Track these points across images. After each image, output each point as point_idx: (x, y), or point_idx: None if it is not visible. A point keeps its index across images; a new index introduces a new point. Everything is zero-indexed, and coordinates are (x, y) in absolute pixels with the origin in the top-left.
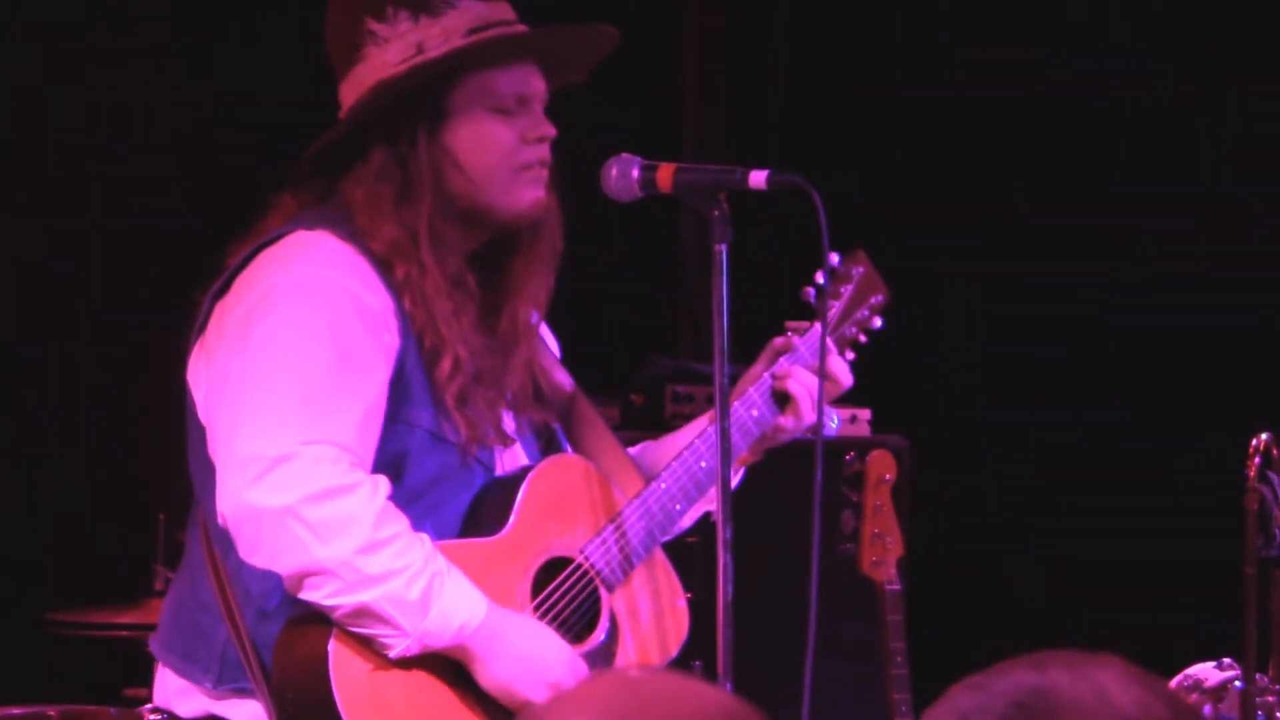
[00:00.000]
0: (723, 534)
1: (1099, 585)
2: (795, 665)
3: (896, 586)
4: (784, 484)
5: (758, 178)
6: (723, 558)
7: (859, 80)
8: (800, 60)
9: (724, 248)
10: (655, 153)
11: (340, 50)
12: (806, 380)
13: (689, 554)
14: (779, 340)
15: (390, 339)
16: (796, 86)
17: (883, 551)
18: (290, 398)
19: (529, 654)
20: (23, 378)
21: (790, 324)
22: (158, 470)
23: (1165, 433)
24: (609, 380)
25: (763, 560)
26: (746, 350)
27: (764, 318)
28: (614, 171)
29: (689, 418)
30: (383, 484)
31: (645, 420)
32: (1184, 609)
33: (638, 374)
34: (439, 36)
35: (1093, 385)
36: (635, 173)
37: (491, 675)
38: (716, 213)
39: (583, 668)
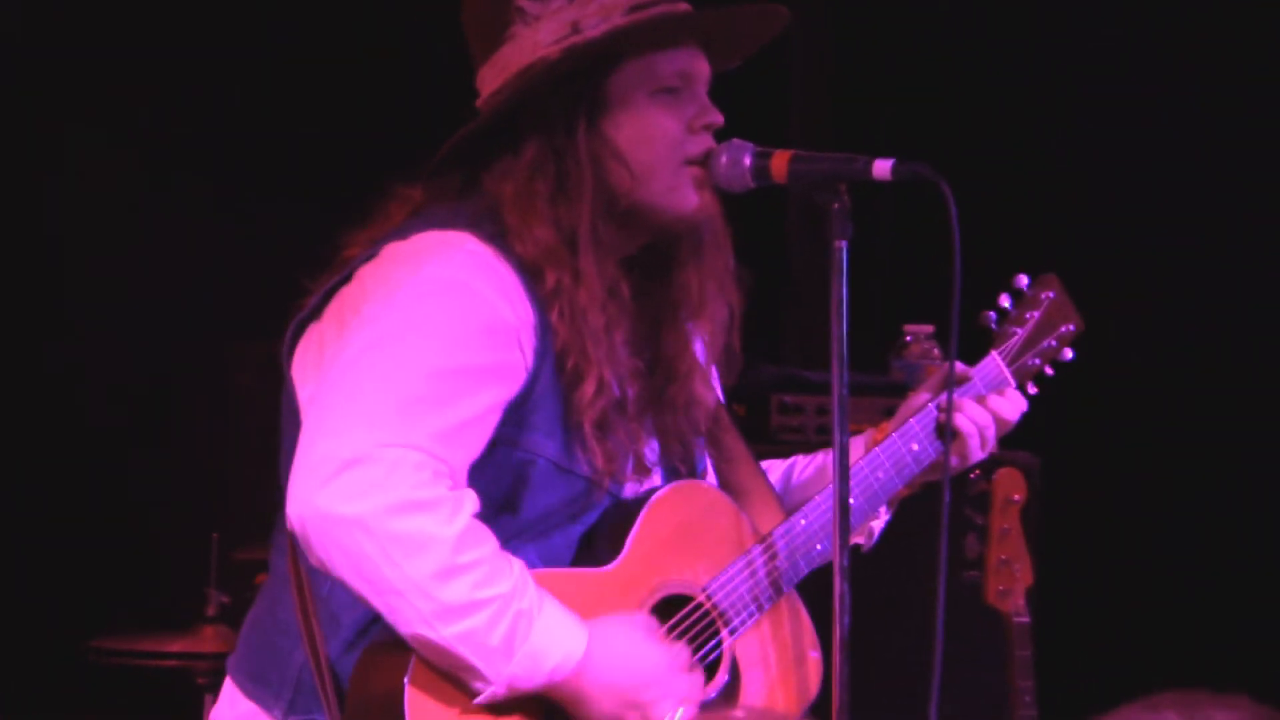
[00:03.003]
0: (839, 561)
1: (1245, 618)
2: (917, 703)
3: (1025, 619)
4: (904, 506)
5: (882, 168)
6: (839, 586)
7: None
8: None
9: (844, 245)
10: (756, 138)
11: (482, 29)
12: (978, 415)
13: (805, 581)
14: (946, 368)
15: (519, 358)
16: (910, 71)
17: (1010, 580)
18: (382, 399)
19: (635, 685)
20: (64, 384)
21: (909, 327)
22: (211, 484)
23: None
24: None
25: (882, 589)
26: (859, 357)
27: (879, 319)
28: (724, 159)
29: (797, 430)
30: (469, 499)
31: (749, 432)
32: None
33: (739, 382)
34: (596, 14)
35: (1244, 400)
36: (747, 160)
37: (593, 717)
38: (836, 206)
39: (695, 693)
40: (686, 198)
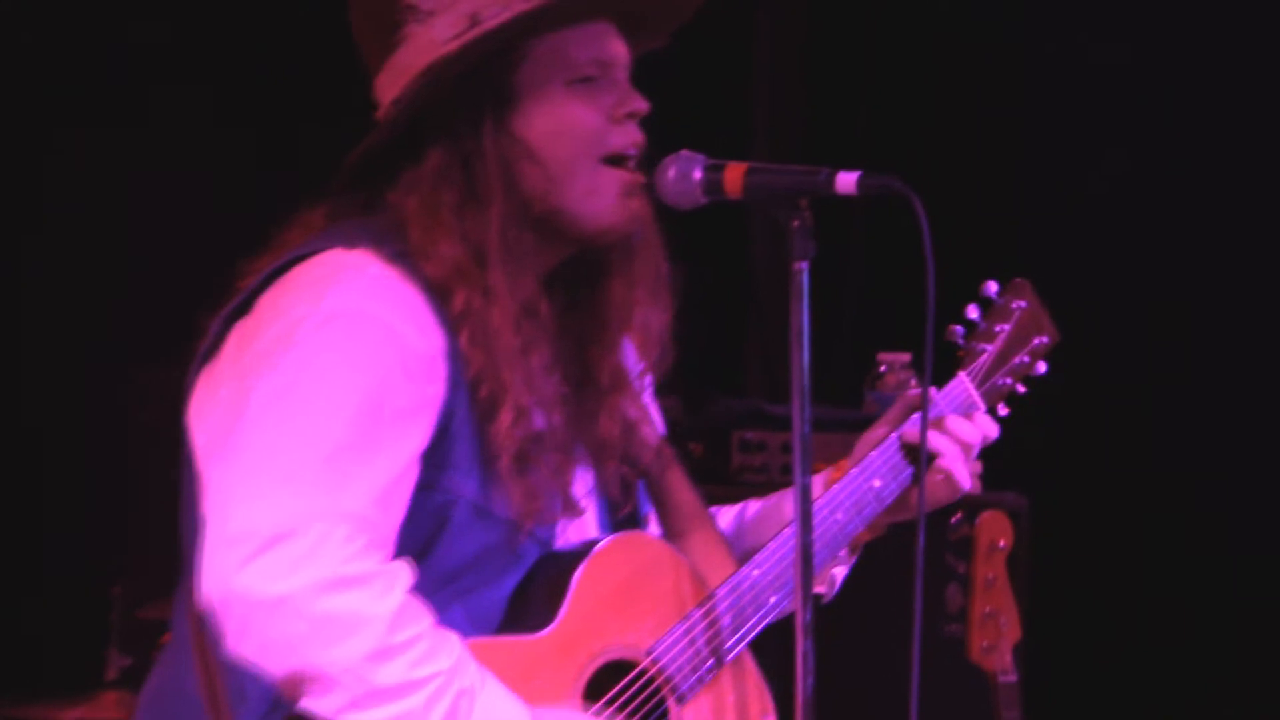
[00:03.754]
0: (802, 616)
1: (1250, 675)
2: None
3: (1012, 678)
4: (876, 553)
5: (847, 181)
6: (802, 644)
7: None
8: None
9: (805, 266)
10: (721, 150)
11: (373, 34)
12: (942, 444)
13: (762, 638)
14: (911, 393)
15: (435, 389)
16: (887, 71)
17: (996, 635)
18: (301, 460)
19: None
20: None
21: (884, 356)
22: (113, 533)
23: None
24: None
25: (851, 646)
26: (829, 388)
27: (848, 346)
28: (671, 172)
29: (759, 471)
30: (403, 574)
31: (707, 474)
32: None
33: (697, 417)
34: (497, 2)
35: (1246, 438)
36: (698, 174)
37: None
38: (796, 223)
39: None
40: (609, 202)
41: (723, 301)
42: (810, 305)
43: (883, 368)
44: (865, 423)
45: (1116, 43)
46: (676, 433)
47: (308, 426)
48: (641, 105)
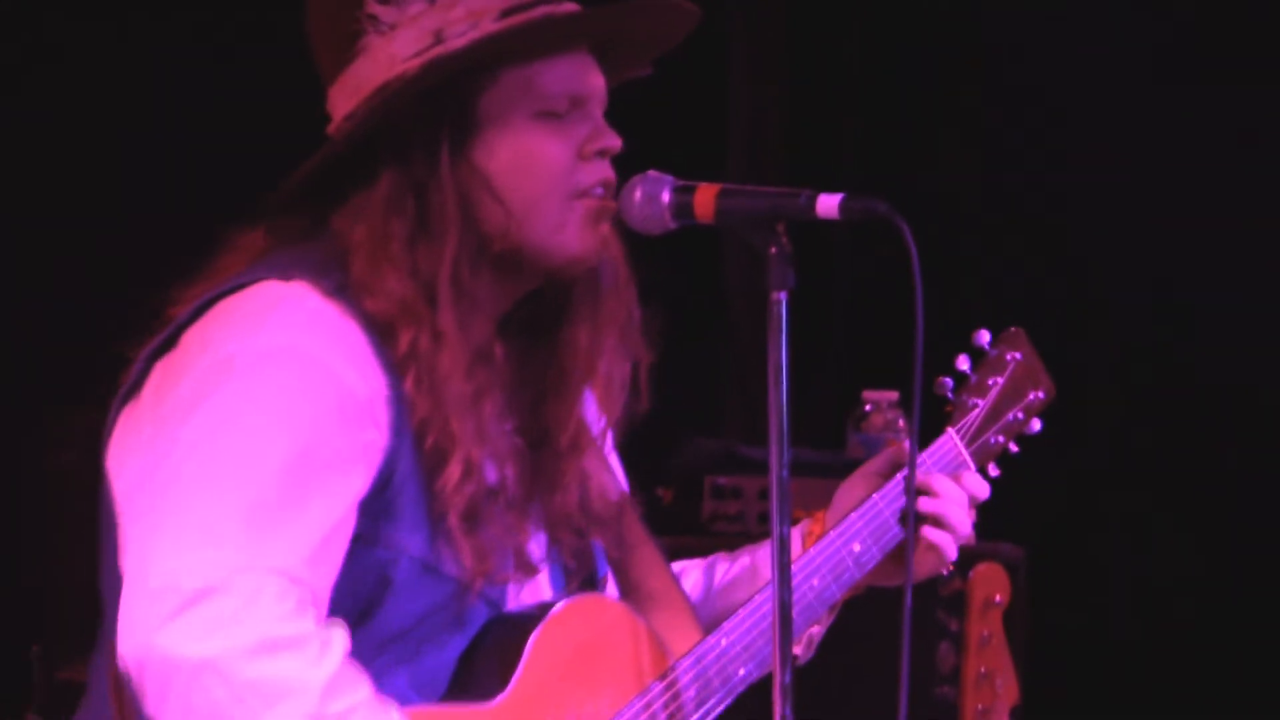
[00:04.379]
0: (780, 678)
1: None
2: None
3: None
4: (861, 609)
5: (828, 204)
6: (780, 709)
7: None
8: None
9: (784, 296)
10: (692, 171)
11: (330, 42)
12: (935, 508)
13: (738, 701)
14: (894, 449)
15: (375, 436)
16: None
17: (992, 697)
18: (229, 509)
19: None
20: None
21: (870, 395)
22: (30, 586)
23: None
24: (628, 468)
25: (834, 711)
26: (810, 429)
27: (831, 383)
28: (637, 194)
29: (734, 519)
30: (339, 637)
31: (676, 522)
32: None
33: (667, 461)
34: (464, 20)
35: (1253, 484)
36: (666, 196)
37: None
38: (774, 250)
39: None
40: (578, 235)
41: (694, 335)
42: (789, 339)
43: (868, 407)
44: (849, 467)
45: (1117, 52)
46: (642, 479)
47: (235, 473)
48: (614, 142)
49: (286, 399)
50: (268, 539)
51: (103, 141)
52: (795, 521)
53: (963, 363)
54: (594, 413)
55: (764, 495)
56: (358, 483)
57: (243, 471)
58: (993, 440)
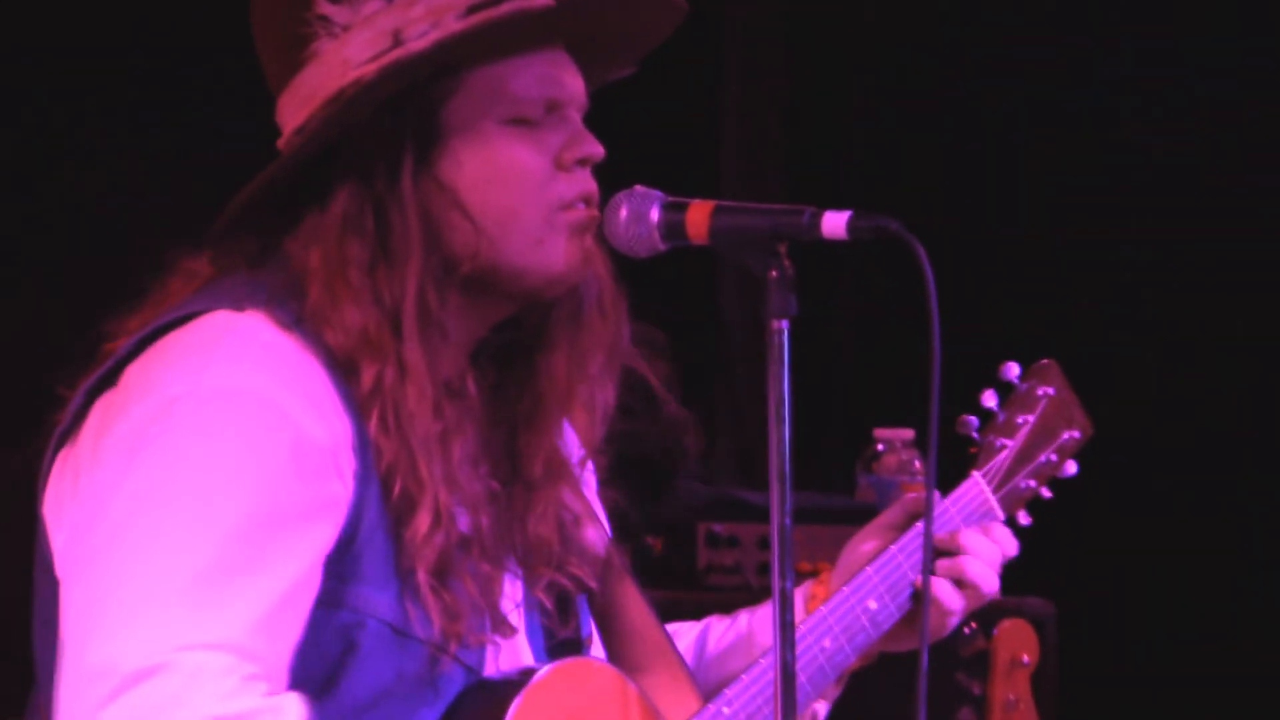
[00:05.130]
0: None
1: None
2: None
3: None
4: (872, 672)
5: (835, 222)
6: None
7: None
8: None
9: (786, 325)
10: (684, 187)
11: (276, 46)
12: (952, 565)
13: None
14: (911, 495)
15: (338, 488)
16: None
17: None
18: (171, 577)
19: None
20: None
21: (882, 433)
22: None
23: None
24: (612, 515)
25: None
26: (816, 471)
27: (839, 420)
28: (623, 212)
29: (731, 571)
30: (292, 709)
31: (668, 575)
32: None
33: (656, 506)
34: (425, 18)
35: None
36: (655, 214)
37: None
38: (775, 274)
39: None
40: (557, 251)
41: (685, 367)
42: (792, 371)
43: (880, 446)
44: (859, 512)
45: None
46: (628, 528)
47: (179, 536)
48: (596, 150)
49: (236, 449)
50: (214, 609)
51: (31, 154)
52: (799, 574)
53: (989, 399)
54: (574, 445)
55: (764, 544)
56: (319, 541)
57: (187, 534)
58: (1023, 485)
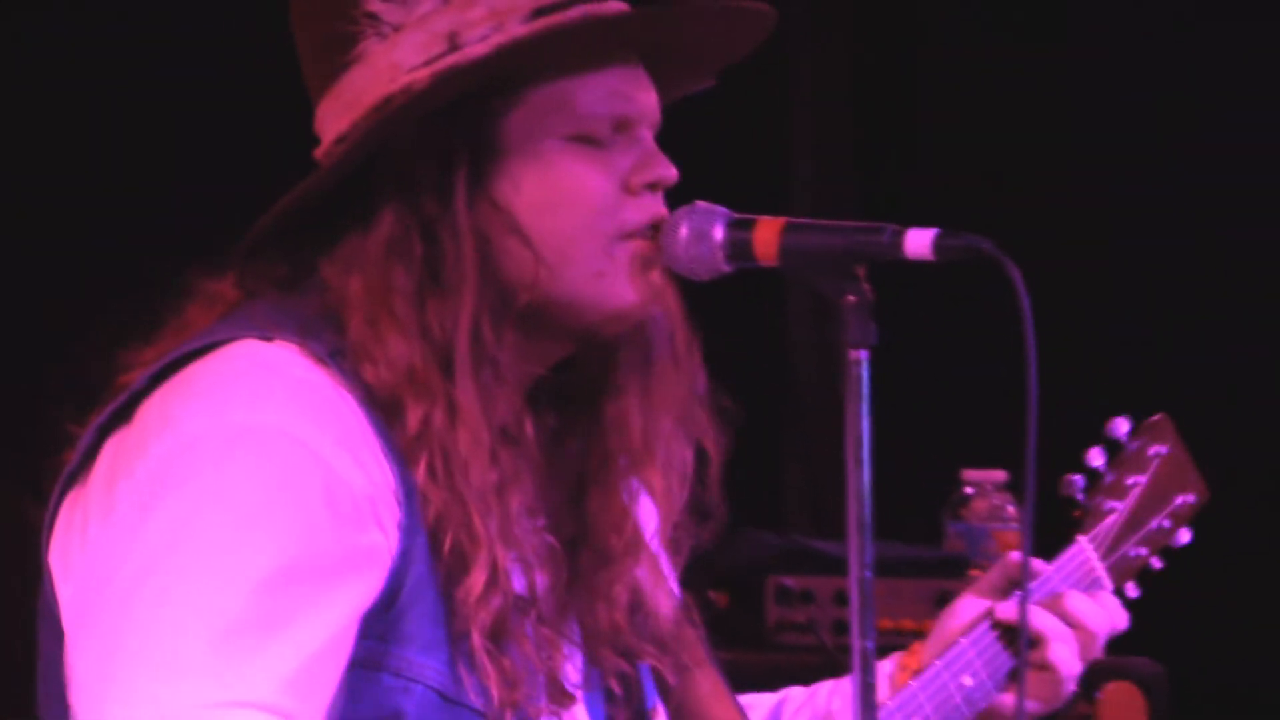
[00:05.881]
0: None
1: None
2: None
3: None
4: None
5: (920, 241)
6: None
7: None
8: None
9: (865, 355)
10: (750, 203)
11: (318, 46)
12: (1063, 629)
13: None
14: (1013, 556)
15: (377, 539)
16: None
17: None
18: (195, 633)
19: None
20: None
21: (970, 474)
22: None
23: None
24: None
25: None
26: (898, 518)
27: (924, 461)
28: (684, 231)
29: (803, 629)
30: None
31: (733, 634)
32: None
33: (721, 558)
34: (485, 21)
35: None
36: (719, 233)
37: None
38: (853, 299)
39: None
40: (622, 284)
41: (752, 402)
42: (871, 407)
43: (969, 489)
44: (946, 564)
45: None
46: (690, 581)
47: (203, 588)
48: (669, 173)
49: (265, 491)
50: (242, 665)
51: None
52: (880, 633)
53: (1095, 457)
54: (646, 506)
55: (841, 600)
56: (356, 595)
57: (211, 586)
58: (1132, 553)
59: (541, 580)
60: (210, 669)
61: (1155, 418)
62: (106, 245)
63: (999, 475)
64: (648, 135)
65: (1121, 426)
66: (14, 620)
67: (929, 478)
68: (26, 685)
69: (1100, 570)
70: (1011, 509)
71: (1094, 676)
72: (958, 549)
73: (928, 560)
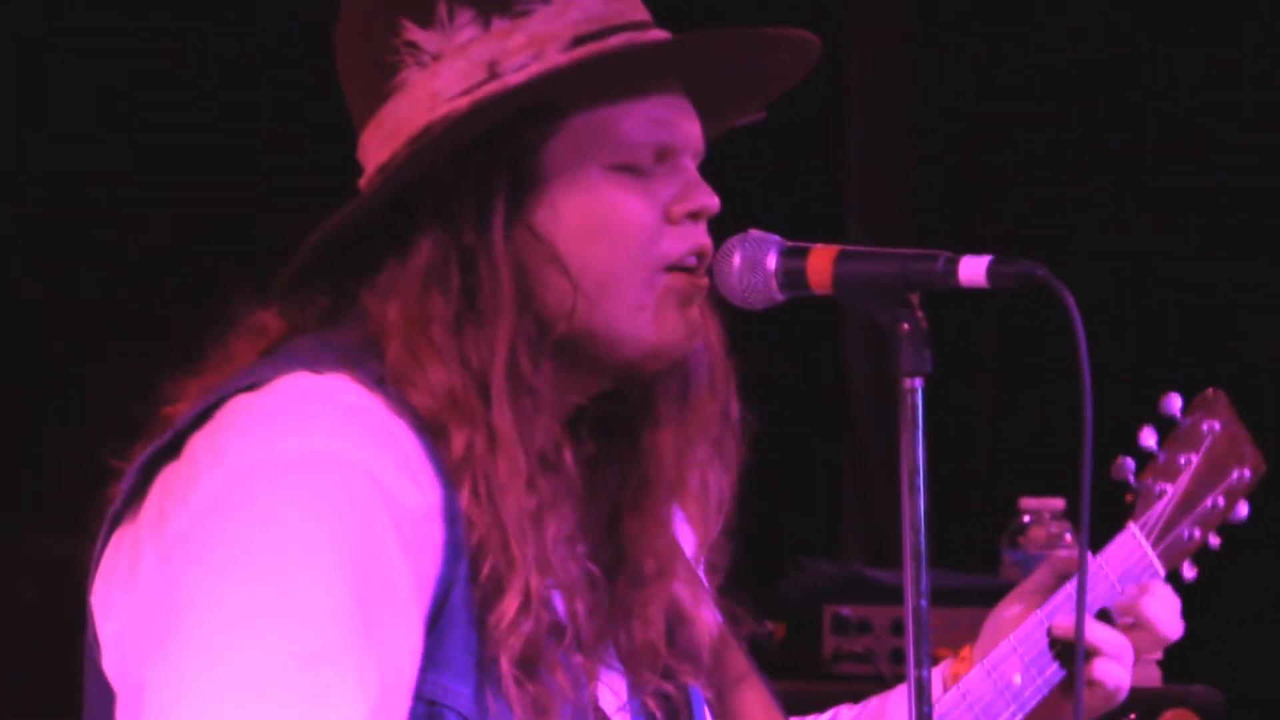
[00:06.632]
0: None
1: None
2: None
3: None
4: None
5: (974, 268)
6: None
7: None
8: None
9: (920, 383)
10: (802, 231)
11: (360, 75)
12: (1109, 638)
13: None
14: (1062, 554)
15: (431, 561)
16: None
17: None
18: (268, 665)
19: None
20: None
21: (1028, 503)
22: None
23: None
24: (729, 599)
25: None
26: (955, 547)
27: (980, 489)
28: (737, 260)
29: (861, 658)
30: None
31: (790, 664)
32: None
33: (777, 588)
34: (525, 49)
35: None
36: (773, 261)
37: None
38: (907, 327)
39: None
40: (662, 319)
41: (806, 432)
42: (927, 436)
43: (1026, 518)
44: (1003, 593)
45: None
46: (754, 609)
47: (270, 625)
48: (711, 202)
49: (331, 524)
50: (319, 699)
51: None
52: (936, 661)
53: (1147, 437)
54: (684, 531)
55: (898, 629)
56: (419, 625)
57: (284, 614)
58: (1187, 534)
59: (580, 607)
60: (292, 700)
61: (1208, 392)
62: (143, 272)
63: (1057, 503)
64: (690, 164)
65: (1174, 402)
66: (14, 621)
67: (987, 506)
68: (26, 685)
69: (1152, 557)
70: (1069, 537)
71: (1153, 704)
72: (1015, 577)
73: (985, 589)
